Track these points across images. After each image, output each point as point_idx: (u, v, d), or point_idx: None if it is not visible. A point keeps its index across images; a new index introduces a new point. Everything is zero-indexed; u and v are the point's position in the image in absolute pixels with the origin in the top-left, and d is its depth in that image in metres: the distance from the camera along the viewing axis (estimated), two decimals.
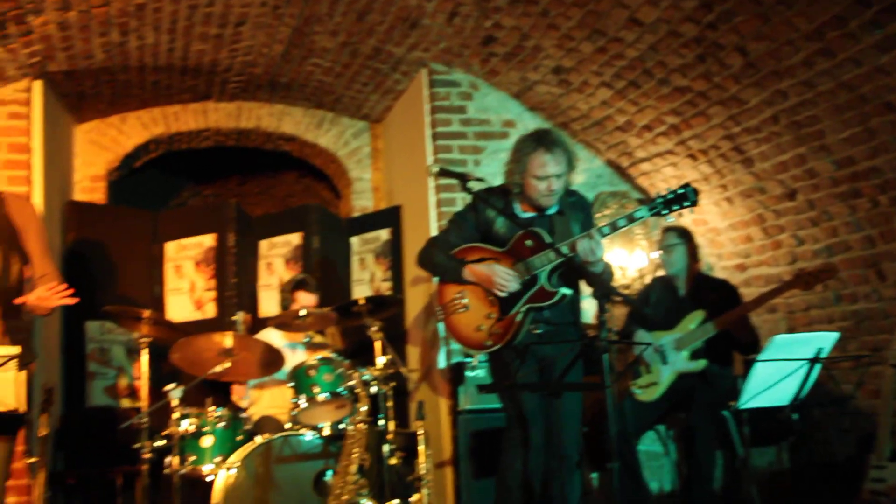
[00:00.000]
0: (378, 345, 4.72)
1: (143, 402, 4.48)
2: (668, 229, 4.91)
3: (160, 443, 4.39)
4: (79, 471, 5.23)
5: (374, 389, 4.55)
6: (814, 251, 5.03)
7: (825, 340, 3.53)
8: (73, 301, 2.91)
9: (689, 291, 4.81)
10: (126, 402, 5.78)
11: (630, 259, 5.91)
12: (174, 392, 4.32)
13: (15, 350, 2.65)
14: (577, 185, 3.98)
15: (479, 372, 5.05)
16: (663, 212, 3.49)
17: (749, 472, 5.30)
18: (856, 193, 4.53)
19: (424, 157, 5.74)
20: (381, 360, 4.67)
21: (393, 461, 4.65)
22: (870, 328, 4.89)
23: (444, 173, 3.66)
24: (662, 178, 5.69)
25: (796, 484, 5.23)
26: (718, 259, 5.85)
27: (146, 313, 4.56)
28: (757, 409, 3.65)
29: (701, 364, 4.58)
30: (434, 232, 5.53)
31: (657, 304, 4.87)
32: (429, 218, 5.64)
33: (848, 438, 5.22)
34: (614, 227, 3.54)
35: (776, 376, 3.54)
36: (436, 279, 3.98)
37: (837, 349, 3.83)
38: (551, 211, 3.75)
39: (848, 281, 4.86)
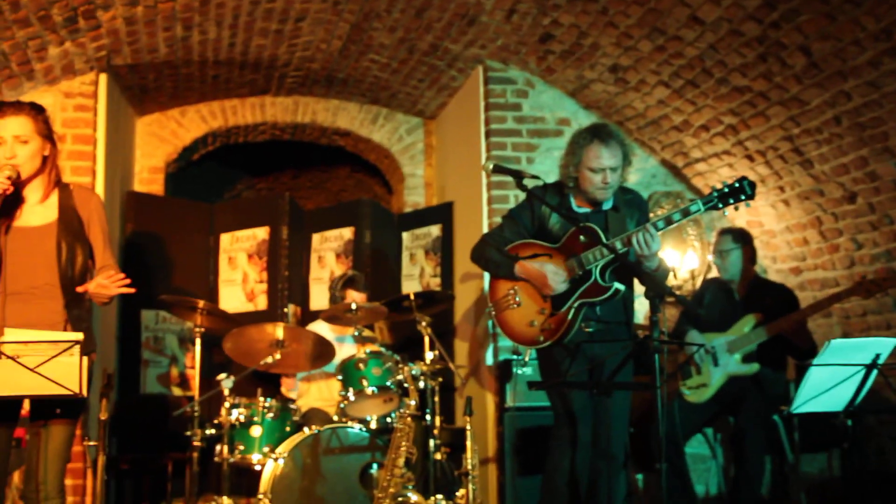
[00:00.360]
0: (427, 340, 4.73)
1: (195, 390, 4.55)
2: (723, 232, 4.83)
3: (210, 431, 4.45)
4: (132, 456, 5.32)
5: (421, 384, 4.56)
6: (872, 255, 4.90)
7: (884, 346, 3.43)
8: (131, 290, 2.96)
9: (745, 295, 4.73)
10: (178, 391, 5.87)
11: (682, 260, 5.83)
12: (225, 382, 4.37)
13: (78, 336, 2.70)
14: (631, 185, 3.92)
15: (527, 369, 5.02)
16: (719, 205, 3.42)
17: (798, 479, 5.20)
18: None
19: (478, 153, 5.73)
20: (429, 356, 4.68)
21: (438, 456, 4.65)
22: None
23: (498, 170, 3.64)
24: (718, 178, 5.60)
25: (847, 492, 5.10)
26: (773, 262, 5.74)
27: (200, 303, 4.63)
28: (808, 414, 3.57)
29: (753, 368, 4.50)
30: (485, 229, 5.51)
31: (711, 306, 4.80)
32: (481, 215, 5.62)
33: None
34: (669, 222, 3.49)
35: (831, 381, 3.45)
36: (488, 275, 3.96)
37: (893, 356, 3.73)
38: (607, 207, 3.72)
39: None
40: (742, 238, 4.76)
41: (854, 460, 4.06)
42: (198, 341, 4.69)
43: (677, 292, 5.74)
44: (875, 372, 3.43)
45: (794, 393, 3.71)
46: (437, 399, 4.73)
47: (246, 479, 5.21)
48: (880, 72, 4.02)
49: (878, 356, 3.41)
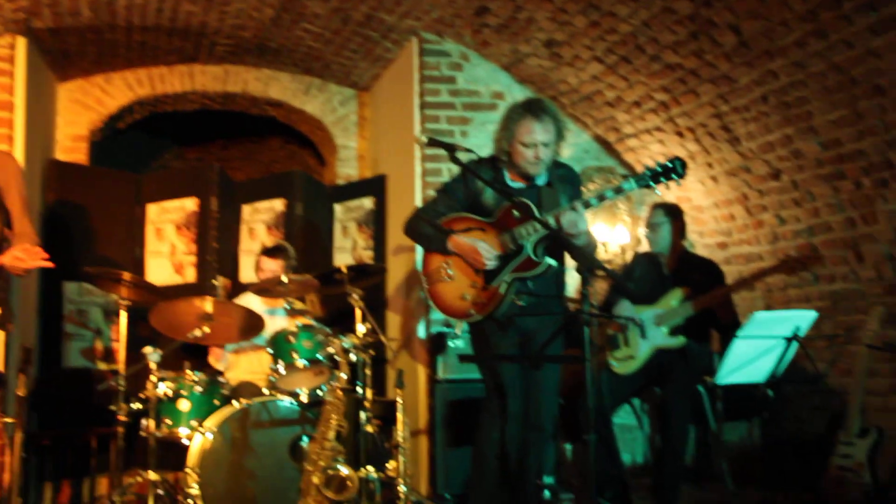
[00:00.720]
0: (358, 313, 4.69)
1: (121, 364, 4.43)
2: (655, 206, 4.88)
3: (136, 405, 4.35)
4: (53, 432, 5.17)
5: (353, 357, 4.53)
6: (795, 231, 5.03)
7: (804, 319, 3.54)
8: (49, 265, 2.84)
9: (674, 269, 4.80)
10: (102, 365, 5.72)
11: (612, 234, 5.90)
12: (152, 355, 4.27)
13: None
14: (564, 160, 3.93)
15: (459, 342, 5.03)
16: (651, 184, 3.47)
17: (720, 447, 5.34)
18: (840, 175, 4.53)
19: (412, 126, 5.68)
20: (361, 329, 4.64)
21: (369, 429, 4.63)
22: (846, 308, 4.90)
23: (432, 143, 3.61)
24: (649, 154, 5.66)
25: (766, 459, 5.27)
26: (700, 237, 5.84)
27: (126, 275, 4.50)
28: (732, 385, 3.66)
29: (680, 340, 4.58)
30: (418, 202, 5.48)
31: (640, 280, 4.86)
32: (414, 188, 5.59)
33: (818, 416, 5.26)
34: (601, 199, 3.53)
35: (754, 353, 3.54)
36: (421, 249, 3.94)
37: (813, 329, 3.84)
38: (540, 182, 3.72)
39: (827, 262, 4.86)
40: (673, 212, 4.82)
41: (773, 429, 4.18)
42: (123, 314, 4.56)
43: (608, 266, 5.80)
44: (795, 344, 3.53)
45: (718, 365, 3.80)
46: (368, 372, 4.70)
47: (173, 453, 5.10)
48: (806, 52, 4.10)
49: (798, 329, 3.51)
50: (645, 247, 4.98)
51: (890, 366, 4.68)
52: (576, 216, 3.47)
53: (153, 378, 4.29)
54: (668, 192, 5.69)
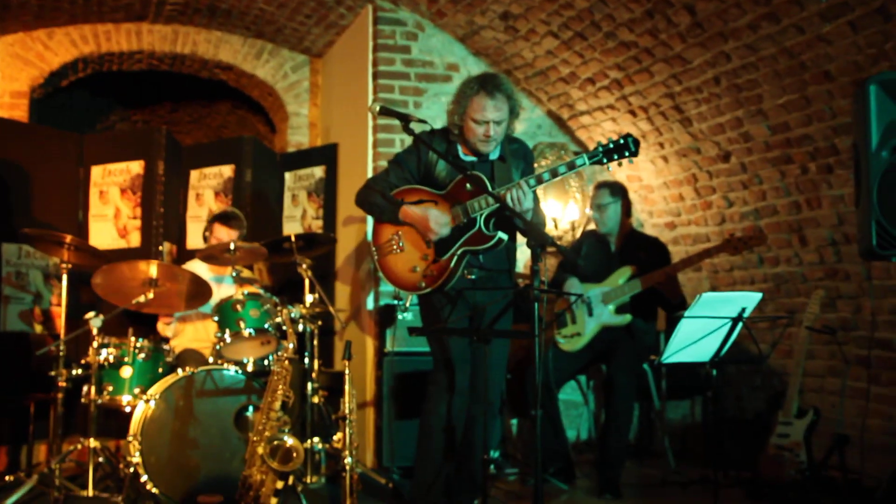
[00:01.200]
0: (307, 283, 4.65)
1: (61, 329, 4.34)
2: (600, 186, 4.88)
3: (77, 371, 4.27)
4: None
5: (300, 327, 4.49)
6: (742, 213, 5.10)
7: (749, 300, 3.59)
8: None
9: (620, 247, 4.84)
10: (41, 329, 5.59)
11: (564, 211, 5.92)
12: (94, 320, 4.18)
13: None
14: (517, 135, 3.92)
15: (408, 315, 5.02)
16: (604, 161, 3.47)
17: (664, 424, 5.44)
18: (787, 159, 4.59)
19: (365, 95, 5.61)
20: (309, 299, 4.61)
21: (316, 400, 4.61)
22: (788, 291, 5.01)
23: (385, 112, 3.56)
24: (602, 132, 5.68)
25: (707, 437, 5.38)
26: (649, 216, 5.90)
27: (67, 238, 4.39)
28: (676, 364, 3.72)
29: (626, 318, 4.63)
30: (370, 172, 5.43)
31: (588, 257, 4.89)
32: (366, 157, 5.53)
33: (758, 395, 5.38)
34: (554, 174, 3.52)
35: (700, 333, 3.58)
36: (372, 220, 3.91)
37: (756, 310, 3.92)
38: (493, 156, 3.70)
39: (772, 244, 4.95)
40: (619, 191, 4.84)
41: (715, 408, 4.26)
42: (65, 277, 4.45)
43: (558, 242, 5.83)
44: (740, 324, 3.59)
45: (663, 344, 3.85)
46: (315, 342, 4.67)
47: (115, 420, 5.03)
48: (758, 35, 4.14)
49: (743, 310, 3.56)
50: (592, 225, 5.00)
51: (828, 348, 4.81)
52: (521, 194, 3.46)
53: (95, 344, 4.20)
54: (618, 171, 5.78)
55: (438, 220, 3.59)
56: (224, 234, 4.89)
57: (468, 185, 3.59)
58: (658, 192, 5.67)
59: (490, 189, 3.51)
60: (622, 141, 3.47)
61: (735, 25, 4.18)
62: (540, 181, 3.50)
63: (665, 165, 5.44)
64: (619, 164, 3.48)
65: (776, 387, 5.21)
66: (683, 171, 5.34)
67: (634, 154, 3.47)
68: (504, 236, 3.60)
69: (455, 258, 3.60)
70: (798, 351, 4.39)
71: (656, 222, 5.86)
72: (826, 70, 4.05)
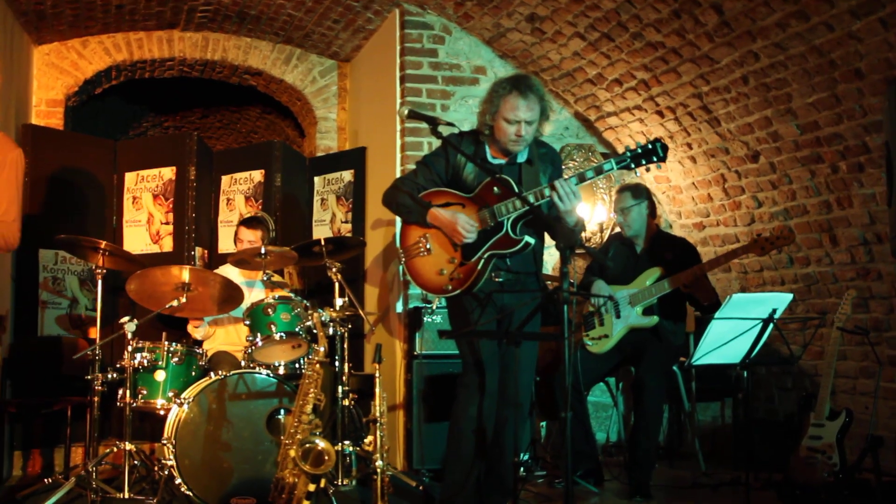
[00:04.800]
0: (337, 286, 4.67)
1: (97, 333, 4.39)
2: (622, 189, 4.82)
3: (112, 375, 4.32)
4: (25, 400, 5.12)
5: (330, 331, 4.51)
6: (771, 213, 5.05)
7: (780, 301, 3.56)
8: None
9: (647, 248, 4.80)
10: (78, 333, 5.66)
11: (592, 213, 5.90)
12: (128, 325, 4.23)
13: None
14: (544, 137, 3.90)
15: (436, 317, 5.03)
16: (631, 165, 3.45)
17: (694, 427, 5.40)
18: (817, 158, 4.54)
19: (392, 99, 5.63)
20: (339, 302, 4.63)
21: (346, 403, 4.63)
22: (819, 291, 4.95)
23: (413, 115, 3.57)
24: (629, 133, 5.65)
25: (738, 439, 5.33)
26: (678, 217, 5.86)
27: (102, 244, 4.44)
28: (705, 365, 3.69)
29: (653, 320, 4.59)
30: (398, 175, 5.44)
31: (614, 259, 4.86)
32: (394, 161, 5.55)
33: (790, 397, 5.32)
34: (582, 179, 3.50)
35: (730, 335, 3.56)
36: (399, 221, 3.91)
37: (787, 311, 3.87)
38: (521, 159, 3.69)
39: (802, 244, 4.89)
40: (642, 193, 4.78)
41: (745, 409, 4.22)
42: (100, 283, 4.51)
43: (586, 244, 5.80)
44: (771, 325, 3.55)
45: (693, 345, 3.82)
46: (346, 346, 4.69)
47: (149, 424, 5.09)
48: (787, 34, 4.09)
49: (774, 311, 3.53)
50: (619, 229, 4.96)
51: (860, 349, 4.74)
52: (569, 189, 3.44)
53: (129, 348, 4.25)
54: (647, 172, 5.75)
55: (466, 224, 3.59)
56: (248, 236, 4.95)
57: (496, 189, 3.58)
58: (686, 192, 5.63)
59: (518, 192, 3.50)
60: (650, 146, 3.43)
61: (763, 24, 4.14)
62: (583, 179, 3.48)
63: (693, 166, 5.40)
64: (647, 170, 3.45)
65: (807, 388, 5.14)
66: (712, 172, 5.30)
67: (663, 159, 3.44)
68: (531, 240, 3.59)
69: (482, 261, 3.59)
70: (830, 352, 4.33)
71: (685, 223, 5.82)
72: (856, 68, 4.00)
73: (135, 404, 4.28)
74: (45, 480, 4.52)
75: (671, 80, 4.94)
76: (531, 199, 3.48)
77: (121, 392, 4.31)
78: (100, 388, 4.30)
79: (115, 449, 4.31)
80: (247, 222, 5.07)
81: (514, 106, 3.53)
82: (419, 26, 5.60)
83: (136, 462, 4.27)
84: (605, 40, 4.99)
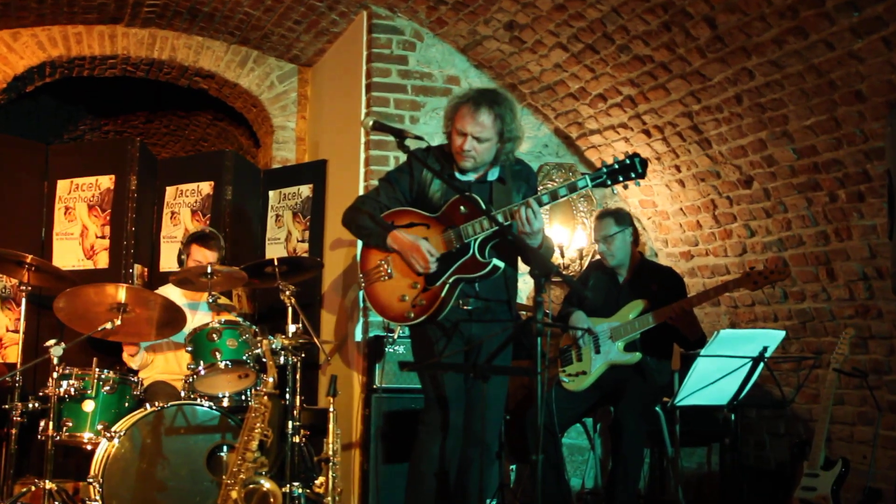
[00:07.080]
0: (290, 311, 4.65)
1: (18, 357, 4.33)
2: (603, 215, 4.85)
3: (34, 404, 4.25)
4: None
5: (281, 360, 4.49)
6: (765, 243, 5.12)
7: (772, 339, 3.59)
8: None
9: (630, 278, 4.83)
10: None
11: (571, 238, 5.93)
12: (54, 349, 4.17)
13: None
14: (521, 154, 3.92)
15: (399, 348, 5.02)
16: (608, 182, 3.46)
17: (677, 473, 5.41)
18: (814, 186, 4.61)
19: (357, 108, 5.64)
20: (292, 328, 4.60)
21: (297, 440, 4.59)
22: (815, 329, 5.01)
23: (379, 127, 3.58)
24: (613, 153, 5.71)
25: (725, 488, 5.35)
26: (664, 245, 5.92)
27: (28, 258, 4.40)
28: (690, 407, 3.71)
29: (635, 357, 4.61)
30: (361, 192, 5.45)
31: (595, 289, 4.88)
32: (357, 176, 5.55)
33: (781, 443, 5.37)
34: (554, 197, 3.52)
35: (717, 374, 3.59)
36: (360, 243, 3.91)
37: (779, 349, 3.90)
38: (492, 177, 3.71)
39: (797, 278, 4.96)
40: (625, 219, 4.81)
41: (733, 455, 4.24)
42: (24, 301, 4.45)
43: (564, 272, 5.84)
44: (761, 365, 3.59)
45: (677, 385, 3.84)
46: (298, 377, 4.65)
47: (74, 460, 5.00)
48: (784, 51, 4.17)
49: (765, 349, 3.56)
50: (598, 256, 4.99)
51: (858, 393, 4.79)
52: (530, 213, 3.46)
53: (55, 374, 4.19)
54: (631, 196, 5.81)
55: (428, 251, 3.58)
56: (202, 256, 4.90)
57: (462, 208, 3.59)
58: (674, 218, 5.69)
59: (487, 211, 3.51)
60: (628, 161, 3.45)
61: (759, 40, 4.21)
62: (539, 203, 3.49)
63: (682, 190, 5.47)
64: (625, 187, 3.47)
65: (801, 434, 5.19)
66: (701, 197, 5.36)
67: (641, 176, 3.45)
68: (500, 264, 3.59)
69: (447, 286, 3.59)
70: (825, 395, 4.38)
71: (671, 251, 5.87)
72: (857, 90, 4.08)
73: (58, 438, 4.21)
74: None
75: (659, 97, 5.01)
76: (500, 218, 3.48)
77: (43, 424, 4.24)
78: (19, 419, 4.23)
79: (34, 488, 4.23)
80: (201, 239, 4.98)
81: (462, 115, 3.57)
82: (388, 31, 5.63)
83: (56, 503, 4.19)
84: (590, 52, 5.05)
